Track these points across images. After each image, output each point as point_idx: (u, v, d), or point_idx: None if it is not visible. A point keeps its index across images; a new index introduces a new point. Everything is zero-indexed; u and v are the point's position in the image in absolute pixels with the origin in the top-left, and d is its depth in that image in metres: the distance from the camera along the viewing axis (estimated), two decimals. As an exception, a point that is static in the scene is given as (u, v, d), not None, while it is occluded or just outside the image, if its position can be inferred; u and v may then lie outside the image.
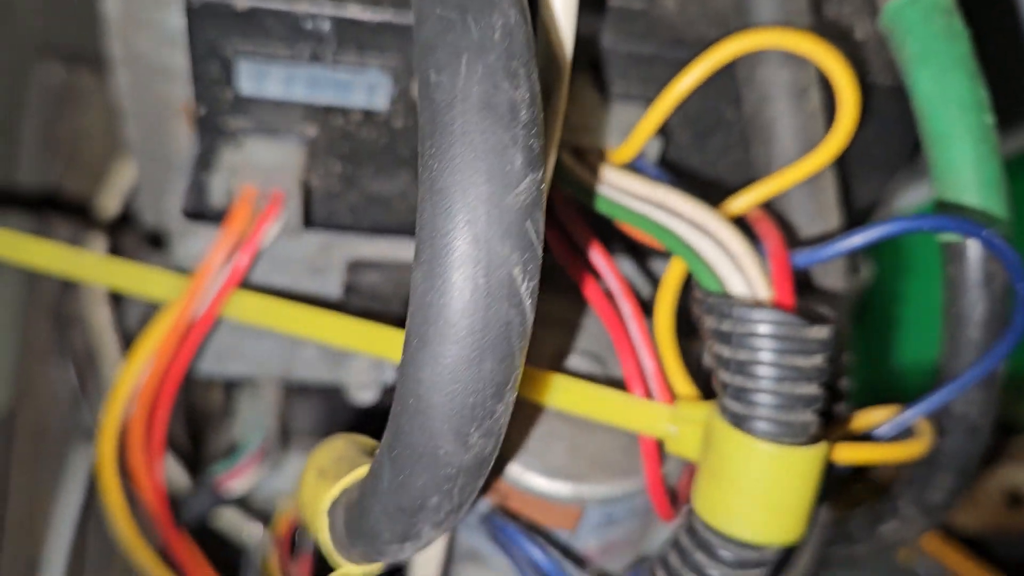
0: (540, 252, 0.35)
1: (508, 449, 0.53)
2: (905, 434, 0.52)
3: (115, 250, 0.72)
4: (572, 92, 0.47)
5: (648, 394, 0.50)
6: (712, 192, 0.50)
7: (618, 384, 0.51)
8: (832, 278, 0.52)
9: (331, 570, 0.71)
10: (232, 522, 0.71)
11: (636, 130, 0.51)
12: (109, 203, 0.77)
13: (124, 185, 0.77)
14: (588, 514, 0.53)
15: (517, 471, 0.53)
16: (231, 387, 0.73)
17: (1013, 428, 0.90)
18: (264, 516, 0.72)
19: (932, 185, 0.50)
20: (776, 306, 0.45)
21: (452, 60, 0.34)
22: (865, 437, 0.51)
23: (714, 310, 0.45)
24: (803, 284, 0.51)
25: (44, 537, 0.72)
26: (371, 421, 0.50)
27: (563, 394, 0.50)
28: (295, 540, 0.70)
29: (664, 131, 0.55)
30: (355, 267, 0.58)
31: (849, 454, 0.49)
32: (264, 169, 0.53)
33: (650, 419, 0.49)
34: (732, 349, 0.44)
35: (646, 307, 0.52)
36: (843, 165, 0.54)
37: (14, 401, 0.77)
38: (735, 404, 0.44)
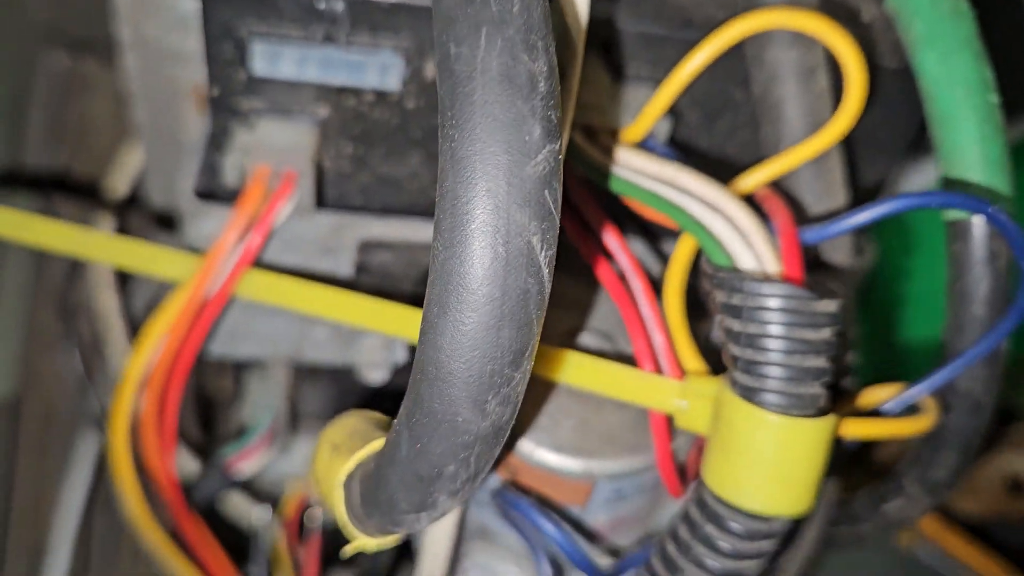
0: (558, 221, 0.36)
1: (519, 425, 0.53)
2: (910, 411, 0.53)
3: (123, 231, 0.72)
4: (583, 73, 0.48)
5: (658, 370, 0.51)
6: (720, 172, 0.50)
7: (628, 361, 0.51)
8: (839, 255, 0.53)
9: (338, 551, 0.72)
10: (240, 506, 0.72)
11: (646, 110, 0.52)
12: (117, 184, 0.77)
13: (132, 167, 0.77)
14: (598, 490, 0.54)
15: (528, 447, 0.53)
16: (240, 369, 0.73)
17: (1013, 415, 0.91)
18: (273, 499, 0.72)
19: (937, 164, 0.51)
20: (785, 280, 0.45)
21: (472, 33, 0.35)
22: (871, 414, 0.52)
23: (724, 285, 0.46)
24: (810, 261, 0.52)
25: (50, 523, 0.72)
26: (380, 404, 0.50)
27: (574, 370, 0.51)
28: (304, 522, 0.71)
29: (673, 112, 0.55)
30: (366, 247, 0.59)
31: (856, 429, 0.50)
32: (277, 149, 0.53)
33: (660, 394, 0.50)
34: (742, 323, 0.45)
35: (656, 287, 0.53)
36: (849, 146, 0.55)
37: (21, 388, 0.77)
38: (745, 377, 0.45)
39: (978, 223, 0.50)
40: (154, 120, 0.63)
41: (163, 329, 0.56)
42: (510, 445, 0.53)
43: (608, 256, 0.53)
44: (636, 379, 0.51)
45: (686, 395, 0.49)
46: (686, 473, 0.54)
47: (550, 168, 0.35)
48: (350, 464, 0.44)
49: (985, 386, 0.53)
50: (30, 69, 0.85)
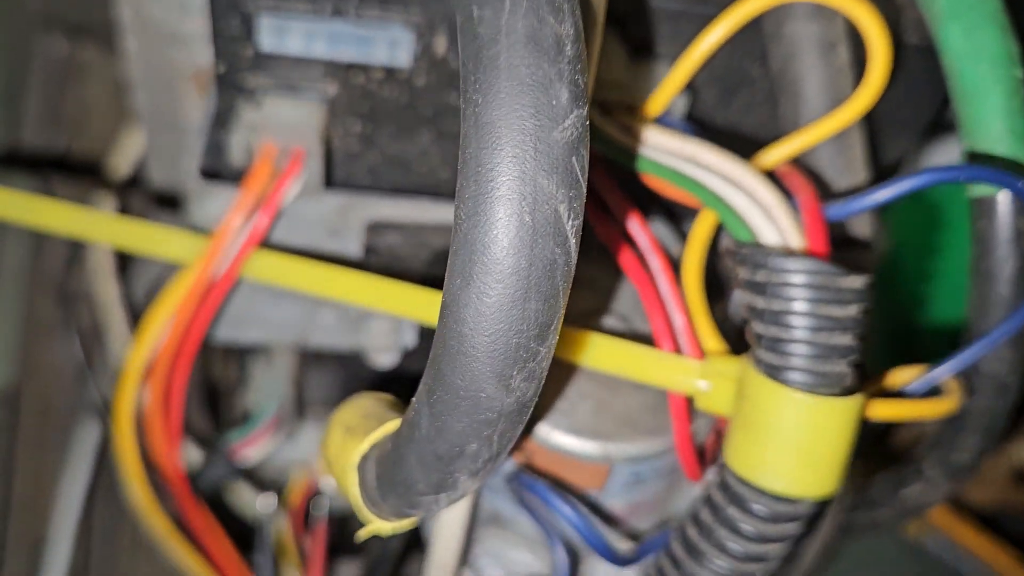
0: (585, 190, 0.34)
1: (537, 408, 0.52)
2: (933, 393, 0.52)
3: (124, 211, 0.71)
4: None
5: (678, 350, 0.50)
6: (737, 150, 0.49)
7: (644, 342, 0.50)
8: (860, 232, 0.52)
9: (345, 540, 0.71)
10: (245, 494, 0.71)
11: (664, 85, 0.51)
12: (119, 164, 0.76)
13: (134, 148, 0.76)
14: (616, 473, 0.53)
15: (545, 430, 0.52)
16: (246, 355, 0.72)
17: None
18: (278, 487, 0.71)
19: (962, 139, 0.50)
20: (811, 255, 0.44)
21: (496, -6, 0.34)
22: (893, 395, 0.51)
23: (748, 261, 0.45)
24: (833, 238, 0.51)
25: (51, 513, 0.71)
26: (387, 390, 0.49)
27: (593, 352, 0.50)
28: (309, 510, 0.70)
29: (690, 88, 0.54)
30: (375, 228, 0.58)
31: (879, 410, 0.49)
32: (284, 126, 0.52)
33: (681, 375, 0.49)
34: (766, 299, 0.44)
35: (675, 267, 0.52)
36: (868, 123, 0.54)
37: (19, 377, 0.76)
38: (770, 355, 0.44)
39: (1003, 200, 0.49)
40: (155, 103, 0.62)
41: (168, 313, 0.55)
42: (528, 428, 0.52)
43: (625, 235, 0.52)
44: (656, 360, 0.50)
45: (707, 375, 0.48)
46: (704, 457, 0.53)
47: (577, 134, 0.34)
48: (364, 445, 0.43)
49: (1010, 367, 0.52)
50: (27, 55, 0.84)
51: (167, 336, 0.56)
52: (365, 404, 0.47)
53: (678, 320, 0.50)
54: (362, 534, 0.45)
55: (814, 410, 0.43)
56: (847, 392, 0.44)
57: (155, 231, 0.56)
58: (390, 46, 0.50)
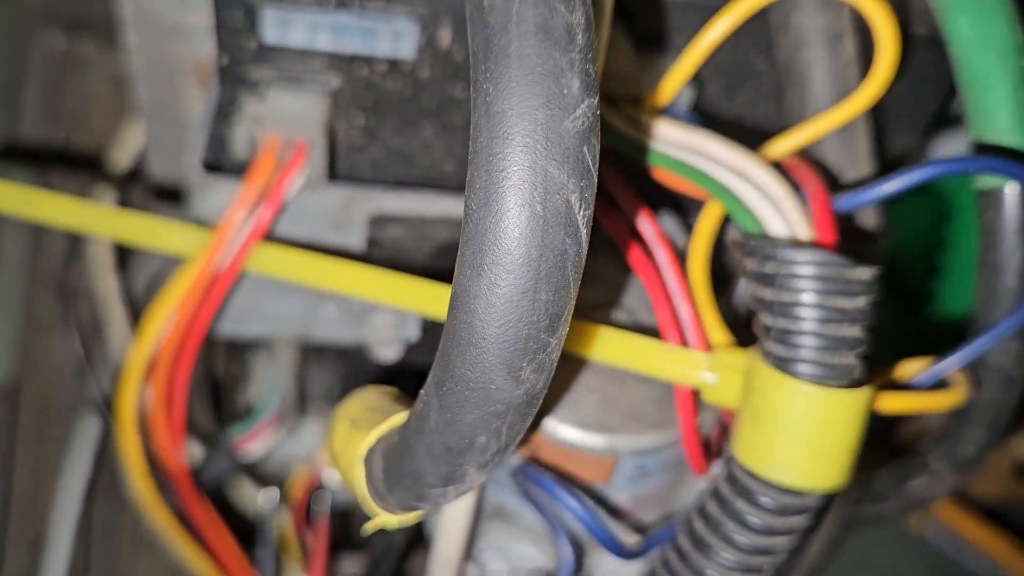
0: (596, 180, 0.34)
1: (544, 401, 0.52)
2: (940, 385, 0.52)
3: (125, 205, 0.71)
4: (606, 39, 0.47)
5: (684, 343, 0.50)
6: (742, 142, 0.49)
7: (649, 334, 0.50)
8: (867, 224, 0.52)
9: (347, 534, 0.71)
10: (247, 489, 0.70)
11: (670, 77, 0.51)
12: (120, 157, 0.76)
13: (134, 141, 0.76)
14: (621, 466, 0.53)
15: (550, 423, 0.52)
16: (247, 349, 0.72)
17: (1024, 399, 0.90)
18: (280, 482, 0.71)
19: (969, 131, 0.50)
20: (819, 247, 0.44)
21: (506, -17, 0.33)
22: (900, 388, 0.51)
23: (756, 252, 0.44)
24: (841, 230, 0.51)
25: (51, 509, 0.71)
26: (389, 384, 0.49)
27: (600, 345, 0.50)
28: (311, 505, 0.70)
29: (696, 80, 0.54)
30: (378, 221, 0.57)
31: (887, 403, 0.49)
32: (288, 118, 0.52)
33: (687, 367, 0.49)
34: (775, 291, 0.44)
35: (680, 259, 0.52)
36: (875, 114, 0.54)
37: (19, 373, 0.76)
38: (778, 347, 0.44)
39: (1011, 192, 0.49)
40: (156, 97, 0.62)
41: (171, 307, 0.55)
42: (536, 422, 0.52)
43: (631, 227, 0.52)
44: (662, 352, 0.49)
45: (714, 368, 0.48)
46: (710, 450, 0.53)
47: (589, 124, 0.33)
48: (371, 438, 0.43)
49: (1017, 360, 0.52)
50: (26, 49, 0.83)
51: (170, 331, 0.56)
52: (370, 397, 0.47)
53: (684, 313, 0.50)
54: (368, 527, 0.44)
55: (823, 402, 0.43)
56: (855, 384, 0.44)
57: (157, 224, 0.55)
58: (394, 38, 0.50)
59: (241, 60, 0.51)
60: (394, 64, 0.51)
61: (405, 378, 0.48)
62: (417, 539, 0.66)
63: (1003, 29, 0.48)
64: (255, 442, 0.67)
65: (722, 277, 0.57)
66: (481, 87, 0.33)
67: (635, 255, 0.51)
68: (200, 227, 0.55)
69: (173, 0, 0.56)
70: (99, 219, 0.57)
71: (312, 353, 0.70)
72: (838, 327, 0.43)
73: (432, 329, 0.59)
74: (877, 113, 0.54)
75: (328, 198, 0.57)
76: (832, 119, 0.49)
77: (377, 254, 0.58)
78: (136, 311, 0.68)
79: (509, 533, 0.56)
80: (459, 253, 0.34)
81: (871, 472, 0.62)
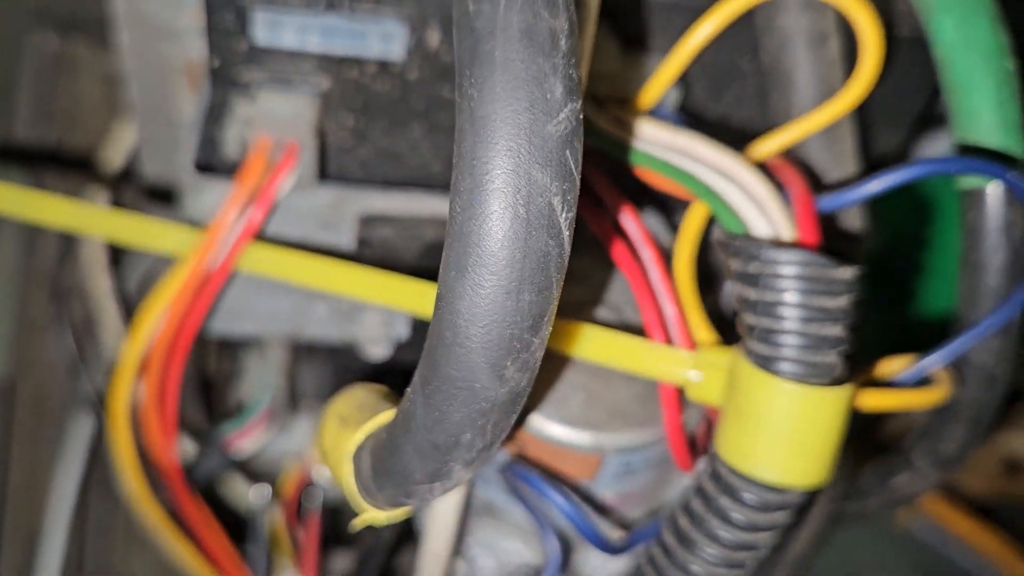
0: (578, 183, 0.35)
1: (528, 399, 0.53)
2: (923, 383, 0.52)
3: (118, 205, 0.71)
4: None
5: (669, 341, 0.50)
6: (728, 143, 0.50)
7: (635, 333, 0.51)
8: (851, 224, 0.52)
9: (338, 531, 0.71)
10: (239, 486, 0.71)
11: (656, 78, 0.51)
12: (112, 157, 0.76)
13: (127, 141, 0.76)
14: (607, 463, 0.53)
15: (537, 420, 0.53)
16: (238, 347, 0.73)
17: (1013, 395, 0.91)
18: (271, 479, 0.71)
19: (953, 132, 0.50)
20: (802, 247, 0.45)
21: (491, -11, 0.34)
22: (884, 385, 0.52)
23: (740, 252, 0.45)
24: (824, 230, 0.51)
25: (45, 507, 0.71)
26: (379, 382, 0.50)
27: (584, 343, 0.50)
28: (302, 501, 0.70)
29: (682, 81, 0.55)
30: (368, 221, 0.58)
31: (869, 400, 0.49)
32: (279, 120, 0.52)
33: (672, 365, 0.49)
34: (758, 291, 0.44)
35: (666, 259, 0.52)
36: (860, 115, 0.54)
37: (13, 372, 0.76)
38: (761, 346, 0.44)
39: (993, 191, 0.49)
40: (148, 97, 0.62)
41: (163, 306, 0.55)
42: (520, 419, 0.52)
43: (617, 227, 0.52)
44: (647, 351, 0.50)
45: (698, 366, 0.49)
46: (695, 447, 0.54)
47: (571, 128, 0.34)
48: (359, 436, 0.43)
49: (999, 358, 0.52)
50: (18, 50, 0.84)
51: (162, 329, 0.56)
52: (359, 395, 0.47)
53: (669, 311, 0.50)
54: (357, 523, 0.45)
55: (804, 400, 0.43)
56: (837, 382, 0.44)
57: (150, 224, 0.56)
58: (383, 40, 0.50)
59: (232, 62, 0.51)
60: (383, 65, 0.52)
61: (395, 376, 0.49)
62: (407, 535, 0.67)
63: (986, 30, 0.48)
64: (247, 439, 0.67)
65: (709, 276, 0.58)
66: (466, 92, 0.34)
67: (621, 254, 0.51)
68: (192, 227, 0.56)
69: (165, 1, 0.57)
70: (92, 219, 0.57)
71: (303, 351, 0.70)
72: (820, 326, 0.43)
73: (422, 328, 0.59)
74: (862, 114, 0.54)
75: (318, 198, 0.57)
76: (817, 120, 0.49)
77: (367, 253, 0.58)
78: (129, 310, 0.68)
79: (497, 529, 0.56)
80: (444, 254, 0.35)
81: (857, 468, 0.63)
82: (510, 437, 0.51)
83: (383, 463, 0.41)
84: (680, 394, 0.51)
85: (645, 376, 0.50)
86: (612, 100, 0.52)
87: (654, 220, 0.60)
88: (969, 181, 0.50)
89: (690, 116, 0.56)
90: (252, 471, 0.72)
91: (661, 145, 0.49)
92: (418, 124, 0.54)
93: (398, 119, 0.54)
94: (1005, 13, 0.49)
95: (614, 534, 0.55)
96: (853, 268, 0.44)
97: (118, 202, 0.71)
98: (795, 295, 0.43)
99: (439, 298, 0.35)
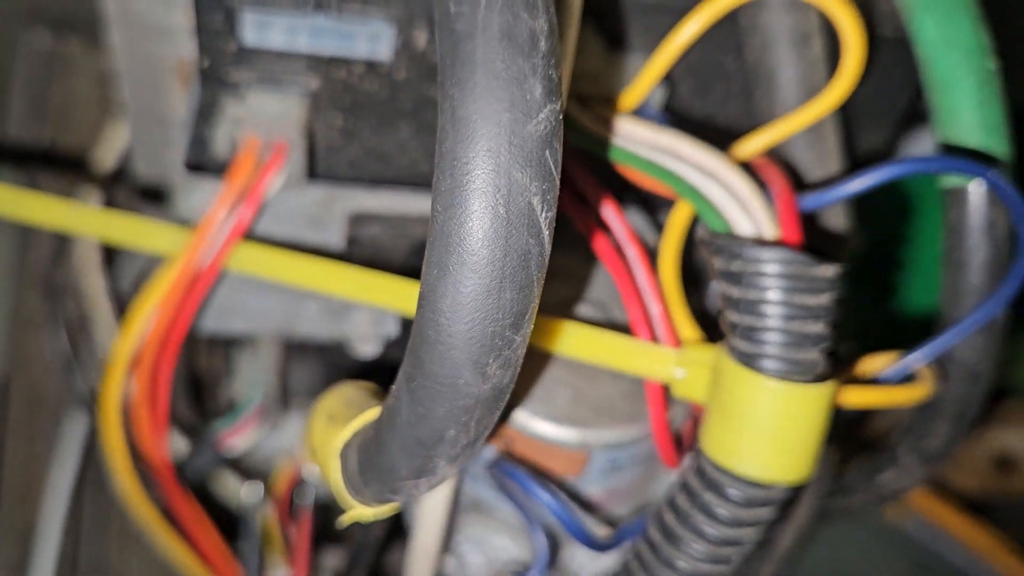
0: (558, 182, 0.35)
1: (514, 396, 0.53)
2: (907, 380, 0.53)
3: (110, 205, 0.71)
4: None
5: (654, 338, 0.51)
6: (713, 142, 0.50)
7: (621, 330, 0.51)
8: (835, 222, 0.53)
9: (330, 528, 0.72)
10: (231, 483, 0.71)
11: (641, 76, 0.51)
12: (104, 157, 0.76)
13: (119, 141, 0.76)
14: (594, 460, 0.54)
15: (523, 417, 0.53)
16: (230, 346, 0.73)
17: (1004, 391, 0.91)
18: (263, 476, 0.71)
19: (935, 131, 0.50)
20: (784, 245, 0.45)
21: (471, -10, 0.34)
22: (868, 382, 0.52)
23: (723, 251, 0.45)
24: (807, 228, 0.51)
25: (40, 505, 0.72)
26: (370, 380, 0.50)
27: (570, 341, 0.50)
28: (294, 499, 0.70)
29: (667, 80, 0.55)
30: (357, 220, 0.58)
31: (853, 397, 0.50)
32: (267, 119, 0.52)
33: (657, 363, 0.50)
34: (741, 289, 0.45)
35: (651, 256, 0.53)
36: (844, 114, 0.55)
37: (8, 370, 0.77)
38: (744, 343, 0.45)
39: (975, 190, 0.50)
40: (140, 96, 0.62)
41: (153, 305, 0.56)
42: (505, 415, 0.53)
43: (602, 225, 0.53)
44: (632, 348, 0.50)
45: (683, 363, 0.49)
46: (681, 443, 0.54)
47: (551, 128, 0.34)
48: (346, 432, 0.44)
49: (982, 355, 0.53)
50: (11, 48, 0.84)
51: (153, 327, 0.56)
52: (347, 392, 0.48)
53: (654, 309, 0.51)
54: (344, 520, 0.45)
55: (787, 397, 0.44)
56: (820, 379, 0.45)
57: (140, 224, 0.56)
58: (371, 40, 0.51)
59: (221, 62, 0.52)
60: (371, 66, 0.52)
61: (385, 374, 0.49)
62: (397, 532, 0.67)
63: (968, 30, 0.49)
64: (239, 437, 0.68)
65: (695, 275, 0.58)
66: (447, 92, 0.34)
67: (606, 252, 0.52)
68: (182, 226, 0.56)
69: (157, 0, 0.57)
70: (84, 219, 0.58)
71: (294, 349, 0.71)
72: (803, 324, 0.44)
73: (411, 326, 0.59)
74: (846, 113, 0.55)
75: (307, 197, 0.58)
76: (800, 119, 0.50)
77: (356, 252, 0.59)
78: (123, 308, 0.69)
79: (486, 526, 0.57)
80: (426, 254, 0.35)
81: (843, 465, 0.64)
82: (495, 433, 0.52)
83: (369, 459, 0.41)
84: (666, 391, 0.51)
85: (630, 373, 0.50)
86: (597, 99, 0.53)
87: (639, 218, 0.60)
88: (951, 180, 0.50)
89: (675, 115, 0.57)
90: (244, 469, 0.72)
91: (645, 144, 0.50)
92: (406, 124, 0.55)
93: (386, 119, 0.54)
94: (986, 12, 0.49)
95: (601, 531, 0.56)
96: (835, 266, 0.44)
97: (111, 202, 0.71)
98: (777, 293, 0.44)
99: (422, 296, 0.36)
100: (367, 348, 0.62)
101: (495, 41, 0.34)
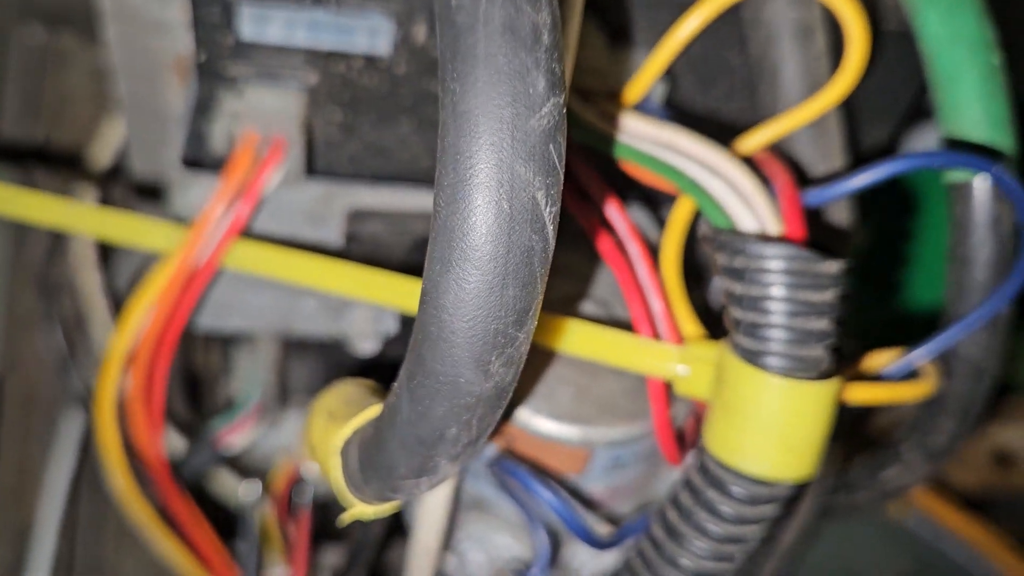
0: (562, 177, 0.35)
1: (516, 393, 0.53)
2: (911, 376, 0.52)
3: (106, 202, 0.71)
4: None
5: (656, 336, 0.50)
6: (716, 136, 0.50)
7: (624, 327, 0.51)
8: (838, 218, 0.52)
9: (329, 526, 0.71)
10: (229, 482, 0.71)
11: (642, 72, 0.51)
12: (100, 154, 0.76)
13: (115, 138, 0.76)
14: (596, 457, 0.53)
15: (525, 415, 0.53)
16: (228, 343, 0.72)
17: (1001, 388, 0.91)
18: (261, 474, 0.71)
19: (939, 125, 0.50)
20: (788, 241, 0.45)
21: (473, -17, 0.34)
22: (872, 379, 0.52)
23: (726, 247, 0.45)
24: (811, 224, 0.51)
25: (36, 504, 0.71)
26: (369, 377, 0.50)
27: (572, 338, 0.50)
28: (293, 497, 0.70)
29: (669, 75, 0.55)
30: (356, 216, 0.58)
31: (857, 393, 0.49)
32: (266, 114, 0.52)
33: (659, 360, 0.49)
34: (745, 285, 0.44)
35: (654, 253, 0.52)
36: (847, 109, 0.54)
37: (3, 368, 0.76)
38: (748, 340, 0.44)
39: (980, 186, 0.49)
40: (136, 92, 0.62)
41: (150, 302, 0.55)
42: (507, 413, 0.52)
43: (604, 221, 0.52)
44: (634, 345, 0.50)
45: (685, 360, 0.49)
46: (684, 441, 0.54)
47: (555, 122, 0.34)
48: (347, 430, 0.43)
49: (986, 351, 0.53)
50: (4, 44, 0.83)
51: (149, 324, 0.56)
52: (347, 390, 0.47)
53: (656, 306, 0.50)
54: (345, 518, 0.45)
55: (791, 394, 0.43)
56: (824, 376, 0.44)
57: (136, 221, 0.56)
58: (370, 34, 0.50)
59: (219, 57, 0.51)
60: (370, 60, 0.51)
61: (384, 371, 0.49)
62: (397, 530, 0.67)
63: (972, 24, 0.49)
64: (237, 435, 0.67)
65: (698, 271, 0.58)
66: (449, 86, 0.34)
67: (608, 249, 0.51)
68: (179, 223, 0.55)
69: (153, -6, 0.56)
70: (80, 217, 0.57)
71: (293, 347, 0.70)
72: (806, 320, 0.43)
73: (410, 323, 0.59)
74: (849, 108, 0.54)
75: (306, 193, 0.57)
76: (803, 114, 0.49)
77: (355, 249, 0.58)
78: (119, 306, 0.68)
79: (487, 524, 0.56)
80: (428, 249, 0.35)
81: (847, 462, 0.63)
82: (497, 432, 0.52)
83: (370, 458, 0.41)
84: (668, 388, 0.51)
85: (632, 371, 0.50)
86: (598, 94, 0.52)
87: (641, 214, 0.60)
88: (956, 175, 0.50)
89: (677, 110, 0.56)
90: (242, 467, 0.71)
91: (647, 139, 0.49)
92: (406, 119, 0.54)
93: (386, 114, 0.54)
94: (990, 6, 0.49)
95: (602, 528, 0.55)
96: (839, 262, 0.44)
97: (107, 199, 0.71)
98: (781, 289, 0.43)
99: (424, 293, 0.35)
100: (366, 345, 0.61)
101: (497, 35, 0.33)
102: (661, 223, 0.60)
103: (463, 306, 0.34)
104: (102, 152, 0.76)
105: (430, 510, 0.55)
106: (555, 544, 0.55)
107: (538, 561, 0.54)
